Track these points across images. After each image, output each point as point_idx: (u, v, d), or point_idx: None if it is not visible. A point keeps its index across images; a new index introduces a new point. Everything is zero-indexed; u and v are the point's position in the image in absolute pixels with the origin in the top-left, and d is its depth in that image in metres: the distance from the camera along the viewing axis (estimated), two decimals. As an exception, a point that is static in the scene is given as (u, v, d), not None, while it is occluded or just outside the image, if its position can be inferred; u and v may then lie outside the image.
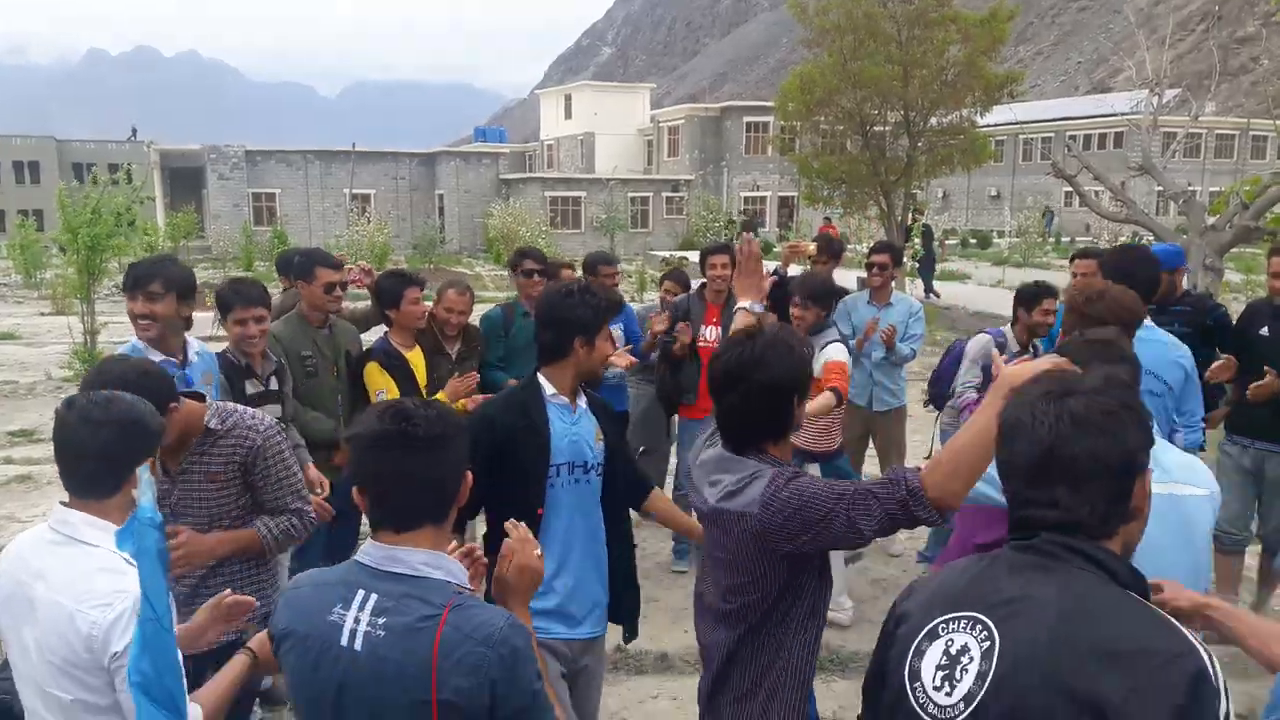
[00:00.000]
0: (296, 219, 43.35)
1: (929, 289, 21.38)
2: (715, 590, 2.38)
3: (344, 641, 1.77)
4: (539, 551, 2.05)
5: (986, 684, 1.37)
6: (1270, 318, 4.92)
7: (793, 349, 2.34)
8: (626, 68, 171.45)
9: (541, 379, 3.04)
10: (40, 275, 25.05)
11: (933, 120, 22.22)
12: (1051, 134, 55.90)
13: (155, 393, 2.44)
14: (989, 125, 25.43)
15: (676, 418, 6.06)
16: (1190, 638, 1.34)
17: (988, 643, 1.40)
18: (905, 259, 18.81)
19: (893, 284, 6.35)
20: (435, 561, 1.82)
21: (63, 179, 18.20)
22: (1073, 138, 51.44)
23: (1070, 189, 11.23)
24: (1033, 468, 1.47)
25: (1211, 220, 9.66)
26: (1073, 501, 1.44)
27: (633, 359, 5.52)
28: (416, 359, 4.88)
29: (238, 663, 2.16)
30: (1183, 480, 2.30)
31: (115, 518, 2.15)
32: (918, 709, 1.45)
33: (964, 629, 1.44)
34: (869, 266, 6.26)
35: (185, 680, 1.87)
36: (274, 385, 4.25)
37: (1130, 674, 1.28)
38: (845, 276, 9.27)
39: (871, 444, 6.44)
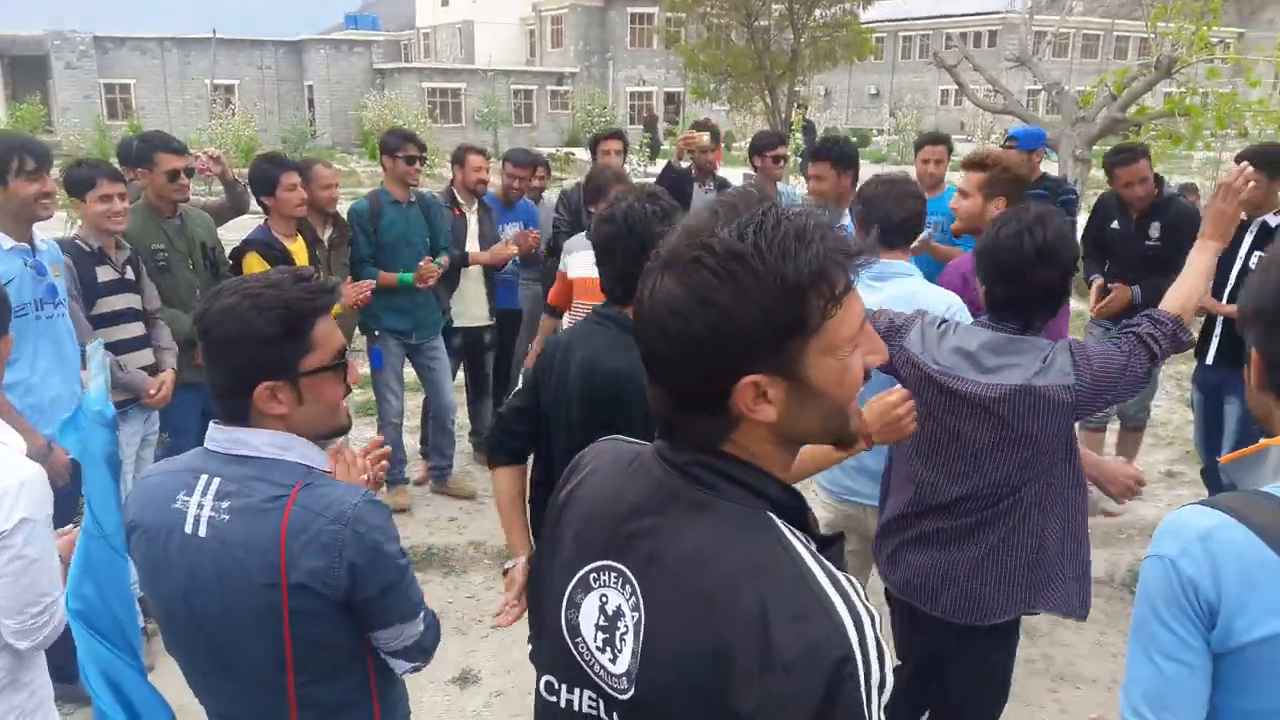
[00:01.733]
0: (154, 112, 40.64)
1: (812, 184, 21.59)
2: (974, 484, 2.51)
3: (188, 529, 1.68)
4: (365, 477, 1.94)
5: (639, 668, 1.15)
6: (1118, 210, 5.16)
7: (1065, 230, 2.48)
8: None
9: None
10: None
11: (816, 13, 22.15)
12: (929, 31, 56.41)
13: None
14: (869, 21, 25.51)
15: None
16: (840, 606, 1.06)
17: (636, 613, 1.15)
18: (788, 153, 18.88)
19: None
20: (283, 443, 1.72)
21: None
22: (949, 35, 52.14)
23: (946, 88, 11.47)
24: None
25: (1081, 112, 9.95)
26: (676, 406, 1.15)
27: (533, 240, 5.62)
28: (299, 250, 4.71)
29: None
30: None
31: None
32: (583, 664, 1.22)
33: (614, 584, 1.19)
34: (774, 159, 6.04)
35: (139, 613, 1.64)
36: (130, 275, 4.03)
37: (763, 677, 1.04)
38: (731, 173, 9.26)
39: None
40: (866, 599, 1.10)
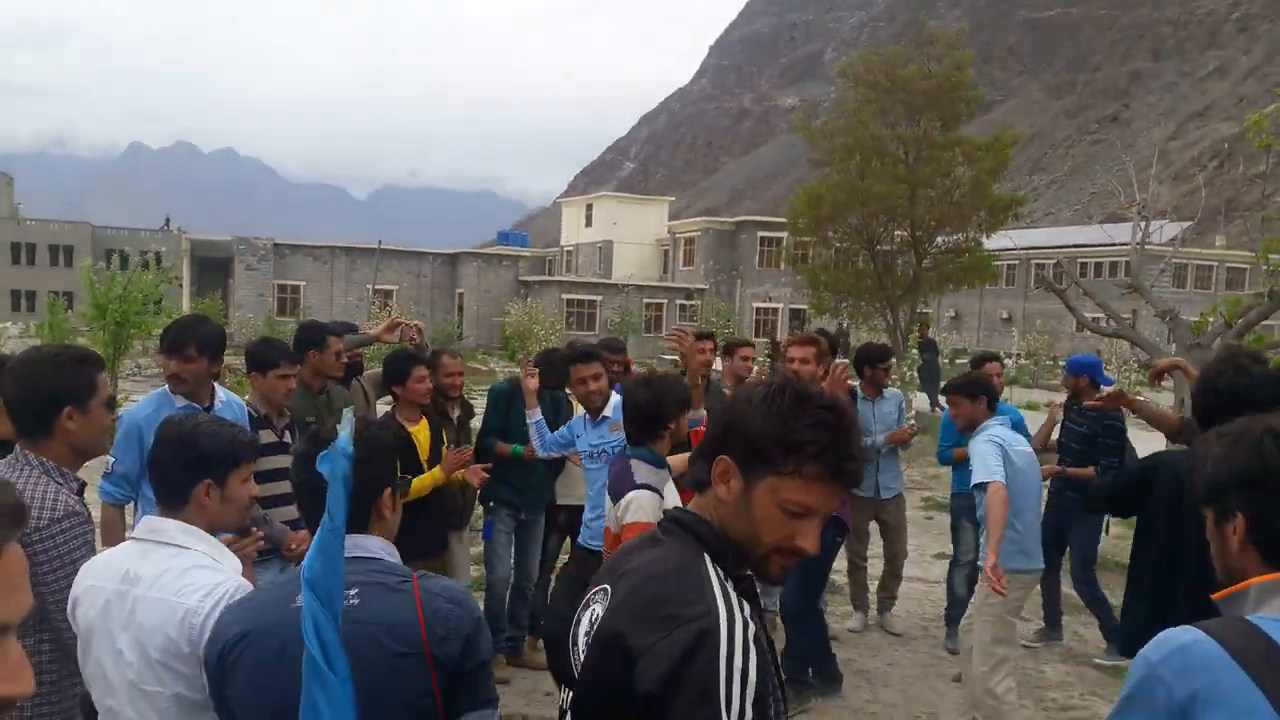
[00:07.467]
0: (319, 311, 43.98)
1: (934, 401, 21.62)
2: None
3: None
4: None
5: (596, 627, 1.67)
6: None
7: None
8: (647, 182, 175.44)
9: None
10: (65, 353, 25.53)
11: (939, 239, 22.90)
12: (1060, 260, 56.68)
13: None
14: (1001, 249, 26.19)
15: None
16: (713, 603, 1.55)
17: (605, 600, 1.68)
18: (904, 368, 19.11)
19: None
20: (388, 549, 2.10)
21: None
22: (1083, 264, 52.29)
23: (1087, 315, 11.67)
24: None
25: (1196, 339, 9.97)
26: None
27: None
28: (420, 433, 5.16)
29: None
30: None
31: (199, 523, 2.32)
32: (575, 667, 1.72)
33: (598, 599, 1.71)
34: (885, 370, 6.76)
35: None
36: (288, 439, 4.56)
37: (655, 631, 1.54)
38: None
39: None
40: (751, 616, 1.58)
